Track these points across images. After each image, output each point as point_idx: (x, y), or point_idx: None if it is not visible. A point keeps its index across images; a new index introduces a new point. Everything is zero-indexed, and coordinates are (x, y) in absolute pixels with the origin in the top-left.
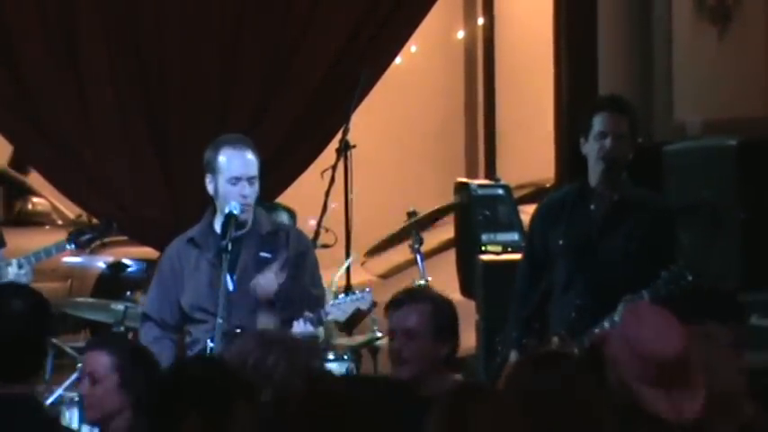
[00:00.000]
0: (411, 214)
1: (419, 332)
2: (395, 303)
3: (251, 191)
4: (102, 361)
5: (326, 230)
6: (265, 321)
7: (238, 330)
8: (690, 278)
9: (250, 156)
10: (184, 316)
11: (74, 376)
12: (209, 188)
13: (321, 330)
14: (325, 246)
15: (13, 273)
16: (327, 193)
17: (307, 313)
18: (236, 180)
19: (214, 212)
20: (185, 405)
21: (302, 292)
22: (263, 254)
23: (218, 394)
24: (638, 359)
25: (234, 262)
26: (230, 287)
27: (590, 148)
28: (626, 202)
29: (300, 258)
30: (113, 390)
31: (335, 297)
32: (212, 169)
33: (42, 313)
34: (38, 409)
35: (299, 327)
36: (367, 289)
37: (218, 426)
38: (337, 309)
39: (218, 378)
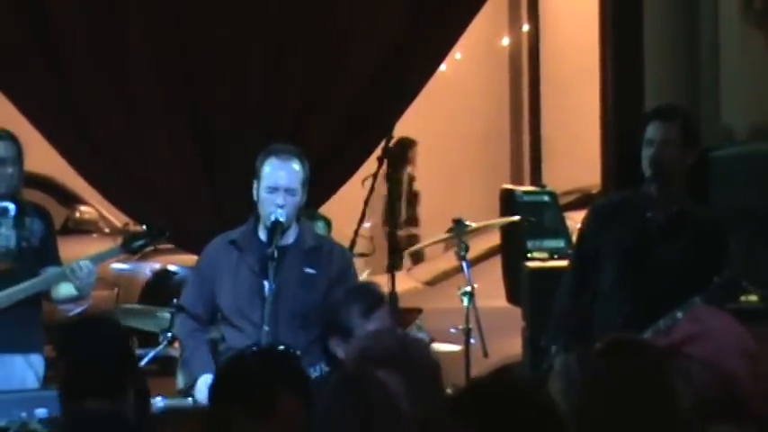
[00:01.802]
0: (457, 222)
1: None
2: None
3: (288, 201)
4: None
5: (370, 238)
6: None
7: (281, 347)
8: (744, 285)
9: (294, 166)
10: (221, 317)
11: None
12: (254, 194)
13: None
14: (363, 255)
15: (80, 270)
16: (367, 202)
17: None
18: (273, 189)
19: (258, 218)
20: (228, 398)
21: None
22: (307, 269)
23: (260, 386)
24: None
25: (275, 273)
26: (266, 293)
27: (643, 157)
28: (685, 216)
29: (342, 275)
30: None
31: None
32: (257, 176)
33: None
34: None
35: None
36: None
37: (262, 416)
38: None
39: (261, 370)
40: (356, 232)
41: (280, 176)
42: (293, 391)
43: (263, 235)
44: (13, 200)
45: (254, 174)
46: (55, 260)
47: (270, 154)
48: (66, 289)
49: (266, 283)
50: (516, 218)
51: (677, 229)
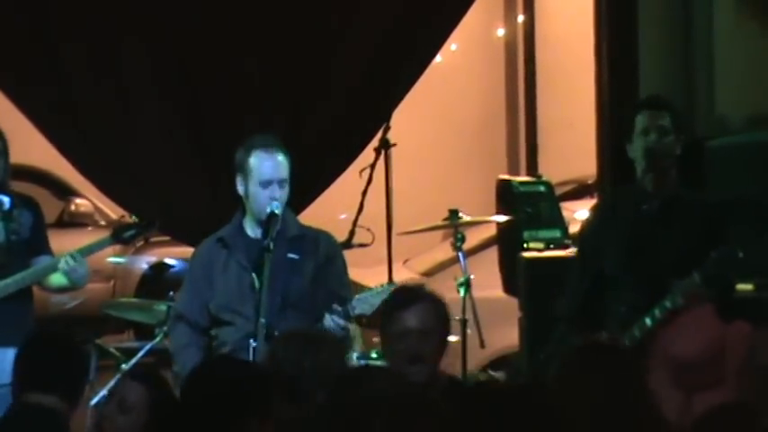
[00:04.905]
0: (453, 213)
1: (433, 330)
2: (403, 303)
3: (281, 193)
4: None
5: (368, 229)
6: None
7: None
8: (740, 255)
9: (281, 158)
10: (211, 315)
11: (118, 376)
12: (240, 189)
13: (352, 325)
14: (362, 245)
15: (68, 264)
16: (365, 193)
17: (335, 306)
18: (266, 183)
19: (244, 213)
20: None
21: (328, 294)
22: (290, 255)
23: (252, 398)
24: (665, 359)
25: (262, 265)
26: (256, 285)
27: (635, 147)
28: (678, 202)
29: (329, 262)
30: (138, 425)
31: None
32: (243, 171)
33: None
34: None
35: (329, 321)
36: (392, 282)
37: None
38: (363, 302)
39: (252, 381)
40: (354, 223)
41: (270, 169)
42: (287, 397)
43: (249, 230)
44: (2, 192)
45: (237, 168)
46: (46, 250)
47: (254, 147)
48: (57, 279)
49: (255, 277)
50: (509, 218)
51: (672, 215)
